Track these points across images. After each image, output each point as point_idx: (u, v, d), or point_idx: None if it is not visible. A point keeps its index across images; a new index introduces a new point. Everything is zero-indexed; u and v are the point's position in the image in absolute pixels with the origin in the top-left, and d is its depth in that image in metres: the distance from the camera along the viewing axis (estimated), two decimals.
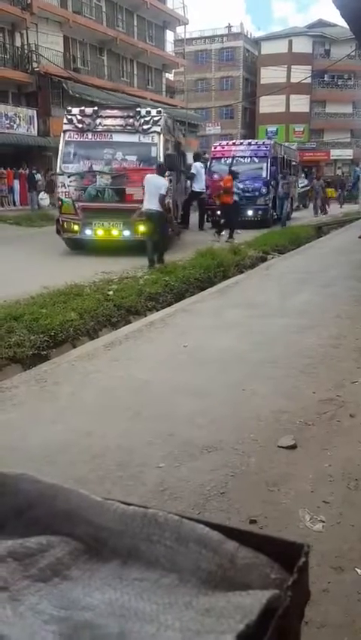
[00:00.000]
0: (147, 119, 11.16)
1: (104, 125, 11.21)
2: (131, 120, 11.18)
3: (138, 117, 11.17)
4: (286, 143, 26.50)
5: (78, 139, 11.21)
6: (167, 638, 0.54)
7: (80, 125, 11.19)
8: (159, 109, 12.09)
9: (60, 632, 0.60)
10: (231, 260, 9.50)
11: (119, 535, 0.70)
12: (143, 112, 11.33)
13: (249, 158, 16.83)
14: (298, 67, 40.02)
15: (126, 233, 10.80)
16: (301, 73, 35.35)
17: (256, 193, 15.82)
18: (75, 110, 11.56)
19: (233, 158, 16.82)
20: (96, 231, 10.92)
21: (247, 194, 15.28)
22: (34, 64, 23.39)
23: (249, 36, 47.57)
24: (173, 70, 38.38)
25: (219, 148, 17.73)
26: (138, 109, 11.64)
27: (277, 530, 2.19)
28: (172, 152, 12.62)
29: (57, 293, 6.23)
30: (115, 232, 10.88)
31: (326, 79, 43.82)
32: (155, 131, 11.09)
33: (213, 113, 42.30)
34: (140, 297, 6.53)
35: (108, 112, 11.62)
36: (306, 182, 25.28)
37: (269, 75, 41.50)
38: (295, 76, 37.22)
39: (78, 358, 4.56)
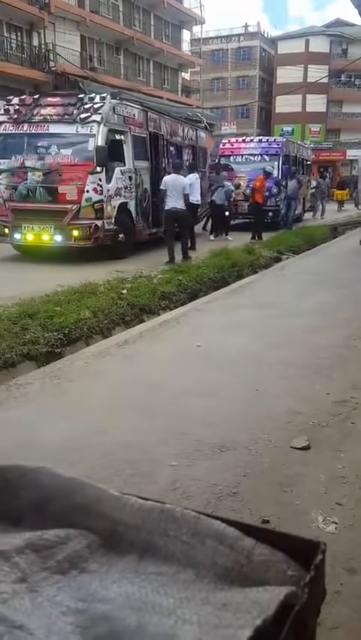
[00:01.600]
0: (88, 106, 9.73)
1: (41, 115, 9.88)
2: (70, 109, 9.79)
3: (78, 105, 9.79)
4: (300, 141, 25.89)
5: (13, 131, 9.97)
6: (185, 631, 0.55)
7: (15, 116, 9.99)
8: (105, 94, 10.29)
9: (78, 624, 0.61)
10: (245, 260, 9.48)
11: (136, 529, 0.71)
12: (86, 99, 9.96)
13: (259, 156, 16.23)
14: (315, 67, 39.78)
15: (58, 238, 9.49)
16: (318, 73, 35.13)
17: (267, 193, 14.74)
18: (15, 100, 10.36)
19: (240, 156, 16.28)
20: (25, 236, 9.66)
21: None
22: (51, 64, 23.51)
23: (266, 35, 47.40)
24: (189, 70, 38.36)
25: (228, 145, 17.10)
26: (81, 95, 10.27)
27: (289, 531, 2.18)
28: (147, 145, 11.01)
29: (71, 291, 6.26)
30: (45, 237, 9.55)
31: (343, 78, 43.47)
32: (94, 121, 9.52)
33: (229, 112, 42.23)
34: (153, 296, 6.54)
35: (49, 100, 10.27)
36: (315, 182, 24.56)
37: (286, 75, 41.30)
38: (312, 75, 37.00)
39: (92, 356, 4.58)
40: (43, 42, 23.59)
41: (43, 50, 23.67)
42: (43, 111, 9.92)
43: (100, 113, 9.58)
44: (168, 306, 6.66)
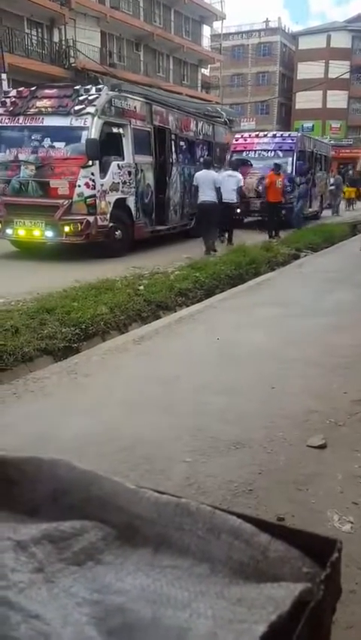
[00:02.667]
0: (82, 98, 9.41)
1: (36, 108, 9.61)
2: (65, 101, 9.49)
3: (74, 97, 9.48)
4: (317, 137, 25.30)
5: (8, 123, 9.77)
6: (199, 625, 0.55)
7: (12, 108, 9.76)
8: (101, 85, 10.06)
9: (93, 615, 0.61)
10: (263, 257, 9.43)
11: (151, 522, 0.71)
12: (81, 90, 9.62)
13: (273, 152, 15.70)
14: (337, 63, 39.33)
15: (49, 234, 9.27)
16: (339, 69, 34.73)
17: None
18: (13, 92, 10.21)
19: (253, 151, 15.87)
20: (17, 231, 9.45)
21: None
22: (71, 60, 23.60)
23: (287, 31, 47.02)
24: (209, 66, 38.24)
25: (241, 140, 16.60)
26: (78, 87, 9.89)
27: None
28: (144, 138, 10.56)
29: (88, 287, 6.29)
30: (37, 232, 9.32)
31: None
32: (87, 113, 9.18)
33: (248, 108, 42.01)
34: (170, 293, 6.54)
35: (46, 92, 9.94)
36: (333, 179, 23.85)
37: (306, 70, 40.97)
38: (333, 71, 36.63)
39: (108, 352, 4.60)
40: (63, 38, 23.70)
41: (63, 46, 23.78)
42: (38, 103, 9.66)
43: (94, 105, 9.25)
44: (185, 302, 6.65)
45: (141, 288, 6.55)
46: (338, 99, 42.63)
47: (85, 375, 4.03)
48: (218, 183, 10.24)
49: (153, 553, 0.70)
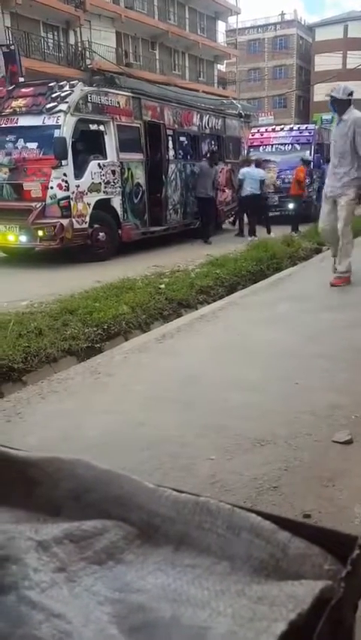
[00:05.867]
0: (55, 95, 9.06)
1: (11, 108, 9.34)
2: (40, 99, 9.18)
3: (47, 94, 9.15)
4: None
5: None
6: (219, 623, 0.55)
7: None
8: (75, 81, 9.72)
9: (114, 614, 0.62)
10: (284, 252, 9.36)
11: (171, 521, 0.71)
12: (55, 87, 9.29)
13: (290, 146, 15.58)
14: (354, 53, 38.82)
15: (23, 238, 8.98)
16: (357, 59, 34.26)
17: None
18: None
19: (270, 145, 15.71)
20: None
21: (288, 186, 14.16)
22: (87, 62, 23.74)
23: (303, 23, 46.54)
24: (225, 61, 38.07)
25: (257, 135, 16.46)
26: (52, 84, 9.52)
27: (331, 526, 2.15)
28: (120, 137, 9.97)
29: (110, 287, 6.33)
30: (11, 237, 9.03)
31: None
32: (60, 110, 8.83)
33: (266, 102, 41.72)
34: (191, 291, 6.54)
35: (22, 91, 9.68)
36: None
37: (324, 62, 40.54)
38: (351, 62, 36.12)
39: (130, 351, 4.62)
40: (79, 40, 23.86)
41: (79, 48, 23.94)
42: (14, 103, 9.37)
43: (67, 102, 8.87)
44: (206, 300, 6.64)
45: (162, 286, 6.56)
46: (356, 90, 42.01)
47: (108, 375, 4.05)
48: (262, 177, 12.63)
49: (173, 551, 0.70)
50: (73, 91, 9.10)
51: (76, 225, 9.01)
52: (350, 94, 6.49)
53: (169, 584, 0.64)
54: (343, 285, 6.57)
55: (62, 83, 9.45)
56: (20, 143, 9.12)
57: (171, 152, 11.65)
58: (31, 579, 0.62)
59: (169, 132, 11.49)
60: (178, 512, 0.71)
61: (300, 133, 16.16)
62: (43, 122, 8.95)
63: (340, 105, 6.45)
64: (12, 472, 0.81)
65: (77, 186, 9.03)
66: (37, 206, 8.81)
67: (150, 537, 0.73)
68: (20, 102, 9.30)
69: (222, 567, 0.66)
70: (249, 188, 12.30)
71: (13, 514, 0.77)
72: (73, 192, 8.93)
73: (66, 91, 9.13)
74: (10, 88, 10.00)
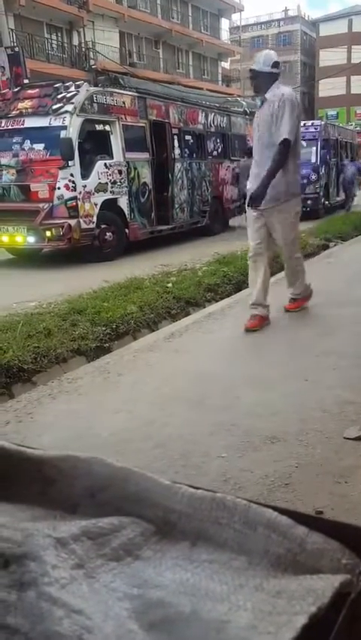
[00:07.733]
0: (61, 96, 9.15)
1: (18, 109, 9.42)
2: (46, 100, 9.26)
3: (53, 95, 9.22)
4: (342, 124, 25.00)
5: None
6: (238, 617, 0.55)
7: None
8: (80, 82, 9.77)
9: (133, 609, 0.62)
10: None
11: (187, 517, 0.71)
12: (61, 88, 9.36)
13: None
14: (359, 47, 38.63)
15: (31, 239, 9.02)
16: None
17: (305, 180, 13.80)
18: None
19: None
20: (0, 238, 9.27)
21: None
22: (91, 62, 23.78)
23: (306, 18, 46.38)
24: (229, 59, 38.00)
25: None
26: (58, 85, 9.60)
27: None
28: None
29: (117, 286, 6.34)
30: (19, 239, 9.09)
31: None
32: (66, 111, 8.91)
33: None
34: (199, 289, 6.54)
35: (28, 92, 9.75)
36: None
37: (328, 57, 40.37)
38: (356, 56, 35.95)
39: (139, 350, 4.63)
40: (83, 41, 23.91)
41: (83, 49, 23.99)
42: (20, 105, 9.43)
43: (72, 103, 8.94)
44: (214, 298, 6.64)
45: (170, 285, 6.56)
46: None
47: (117, 374, 4.06)
48: None
49: (190, 547, 0.70)
50: (79, 91, 9.16)
51: (83, 225, 9.06)
52: (275, 65, 4.71)
53: (187, 579, 0.64)
54: (299, 309, 5.48)
55: (67, 84, 9.52)
56: (27, 144, 9.18)
57: (177, 151, 11.67)
58: (51, 576, 0.63)
59: (175, 131, 11.53)
60: (195, 509, 0.72)
61: (306, 129, 16.10)
62: (49, 123, 9.02)
63: (262, 80, 4.68)
64: (28, 470, 0.82)
65: (84, 186, 9.08)
66: (45, 207, 8.85)
67: (167, 533, 0.73)
68: (26, 103, 9.38)
69: (240, 562, 0.66)
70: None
71: (30, 512, 0.77)
72: (80, 192, 8.98)
73: (72, 92, 9.19)
74: (16, 89, 10.07)
